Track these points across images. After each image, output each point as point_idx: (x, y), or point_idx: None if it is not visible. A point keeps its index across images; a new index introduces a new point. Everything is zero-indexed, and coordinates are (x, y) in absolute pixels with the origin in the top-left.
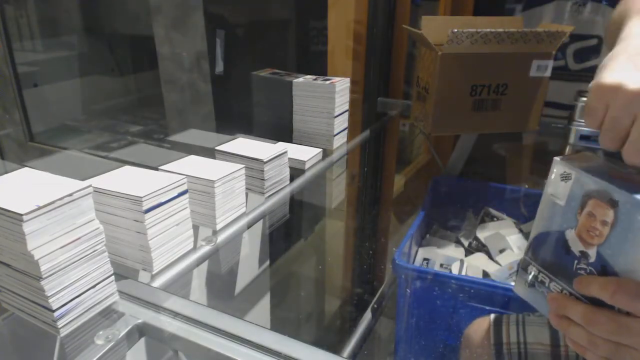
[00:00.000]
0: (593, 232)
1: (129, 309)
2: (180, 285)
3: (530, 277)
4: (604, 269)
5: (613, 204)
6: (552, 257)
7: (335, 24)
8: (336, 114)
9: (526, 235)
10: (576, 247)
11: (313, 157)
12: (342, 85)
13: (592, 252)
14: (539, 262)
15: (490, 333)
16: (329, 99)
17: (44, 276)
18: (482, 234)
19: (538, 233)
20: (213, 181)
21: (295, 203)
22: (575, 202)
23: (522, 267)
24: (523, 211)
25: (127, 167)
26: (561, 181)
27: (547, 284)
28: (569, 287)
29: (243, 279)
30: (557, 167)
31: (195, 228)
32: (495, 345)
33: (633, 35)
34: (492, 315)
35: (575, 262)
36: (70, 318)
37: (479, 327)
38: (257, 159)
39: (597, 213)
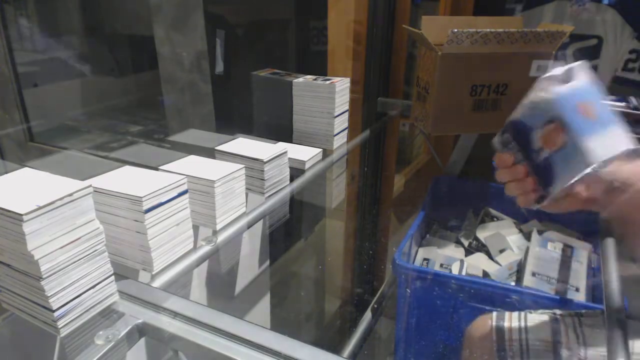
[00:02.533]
0: (550, 142)
1: (129, 309)
2: (180, 285)
3: (505, 140)
4: (545, 167)
5: (565, 131)
6: (522, 137)
7: (335, 24)
8: (336, 114)
9: (526, 235)
10: (537, 144)
11: (313, 157)
12: (342, 85)
13: (544, 153)
14: (513, 135)
15: (493, 330)
16: (329, 99)
17: (44, 276)
18: (482, 234)
19: (517, 119)
20: (213, 181)
21: (295, 203)
22: (545, 116)
23: (503, 131)
24: (523, 211)
25: (127, 167)
26: (540, 97)
27: (514, 151)
28: (527, 160)
29: (243, 279)
30: (542, 85)
31: (195, 228)
32: (497, 342)
33: None
34: (495, 313)
35: (533, 151)
36: (70, 318)
37: (482, 324)
38: (257, 159)
39: (555, 133)
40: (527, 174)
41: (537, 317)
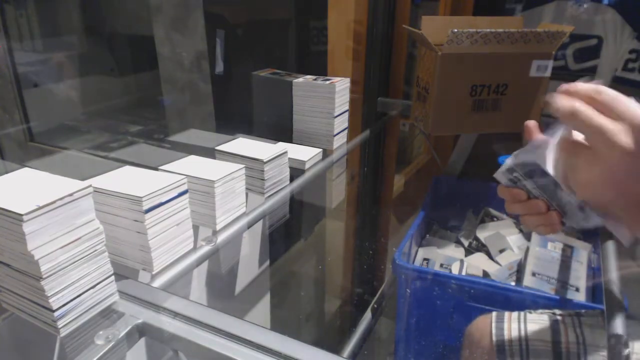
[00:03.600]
0: None
1: (129, 309)
2: (180, 285)
3: (515, 179)
4: (580, 208)
5: None
6: (542, 182)
7: (335, 24)
8: (336, 114)
9: (526, 235)
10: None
11: (313, 157)
12: (342, 85)
13: (580, 200)
14: (527, 175)
15: (492, 330)
16: (329, 99)
17: (44, 276)
18: (482, 234)
19: (539, 168)
20: (213, 181)
21: (295, 203)
22: None
23: (509, 170)
24: None
25: (127, 167)
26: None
27: (527, 188)
28: (548, 197)
29: (243, 279)
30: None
31: (195, 228)
32: (497, 342)
33: None
34: (494, 313)
35: (563, 195)
36: (70, 318)
37: (481, 325)
38: (257, 159)
39: None
40: (548, 208)
41: (536, 317)
